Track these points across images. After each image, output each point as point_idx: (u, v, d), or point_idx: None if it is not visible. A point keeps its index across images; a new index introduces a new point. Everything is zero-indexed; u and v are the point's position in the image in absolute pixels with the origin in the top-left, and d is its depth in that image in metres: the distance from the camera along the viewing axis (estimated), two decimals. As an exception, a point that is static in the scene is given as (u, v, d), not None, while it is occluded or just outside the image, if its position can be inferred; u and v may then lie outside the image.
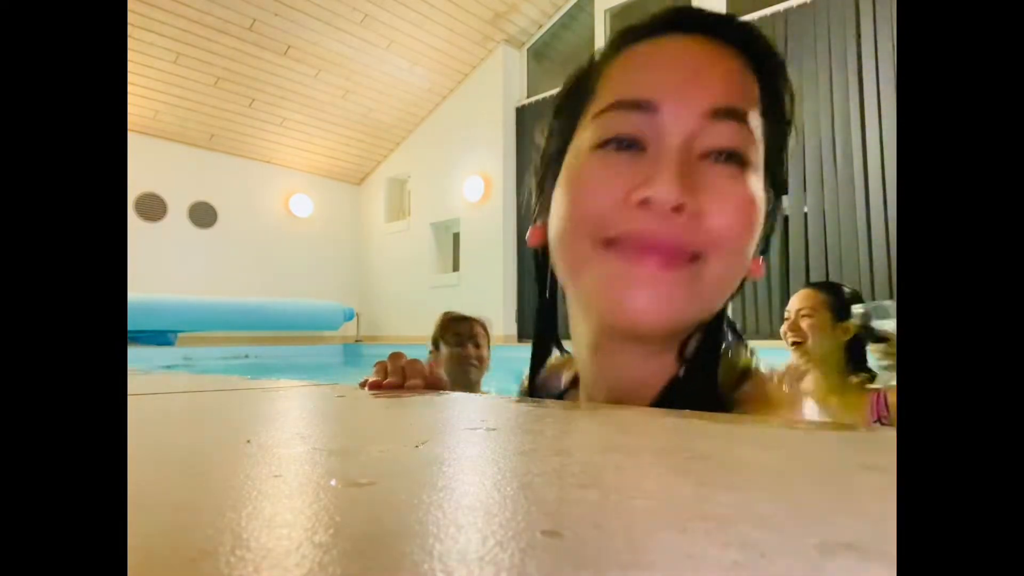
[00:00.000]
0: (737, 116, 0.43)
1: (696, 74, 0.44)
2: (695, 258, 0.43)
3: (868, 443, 0.33)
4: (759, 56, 0.46)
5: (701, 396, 0.46)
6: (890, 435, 0.34)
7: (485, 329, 1.95)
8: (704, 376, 0.47)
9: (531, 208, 0.56)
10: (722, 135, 0.43)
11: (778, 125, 0.47)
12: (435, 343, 1.92)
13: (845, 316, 1.59)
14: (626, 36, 0.48)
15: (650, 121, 0.43)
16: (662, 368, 0.48)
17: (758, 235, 0.46)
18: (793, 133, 0.49)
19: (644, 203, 0.42)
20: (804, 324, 1.60)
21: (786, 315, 1.68)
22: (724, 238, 0.43)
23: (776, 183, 0.48)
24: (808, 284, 1.79)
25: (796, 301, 1.68)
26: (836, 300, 1.63)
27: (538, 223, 0.54)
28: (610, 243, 0.44)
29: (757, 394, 0.48)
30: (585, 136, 0.47)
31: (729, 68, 0.45)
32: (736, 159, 0.43)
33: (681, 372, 0.48)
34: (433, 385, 0.62)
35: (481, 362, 1.90)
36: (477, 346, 1.90)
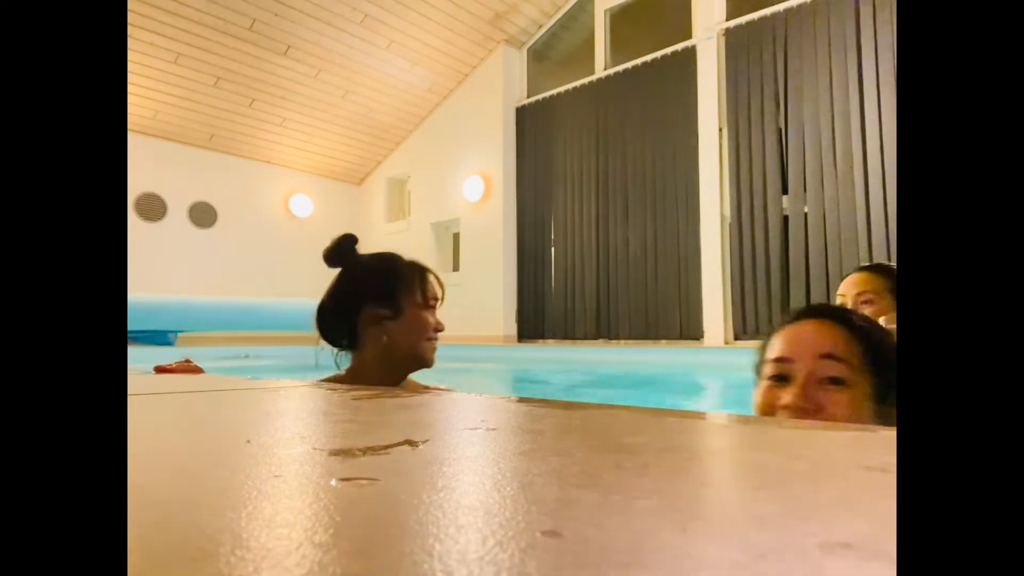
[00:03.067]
0: (836, 358, 0.73)
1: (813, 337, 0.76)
2: None
3: (868, 443, 0.33)
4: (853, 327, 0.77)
5: None
6: (890, 435, 0.34)
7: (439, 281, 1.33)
8: None
9: None
10: (828, 368, 0.73)
11: (877, 365, 0.73)
12: (389, 299, 1.24)
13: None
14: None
15: (789, 367, 0.76)
16: None
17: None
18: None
19: (785, 407, 0.73)
20: (869, 311, 1.31)
21: (840, 299, 1.42)
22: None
23: (884, 393, 0.73)
24: (860, 267, 1.48)
25: (854, 284, 1.40)
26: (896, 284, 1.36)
27: None
28: None
29: None
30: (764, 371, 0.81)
31: (833, 334, 0.76)
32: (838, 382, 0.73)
33: None
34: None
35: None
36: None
